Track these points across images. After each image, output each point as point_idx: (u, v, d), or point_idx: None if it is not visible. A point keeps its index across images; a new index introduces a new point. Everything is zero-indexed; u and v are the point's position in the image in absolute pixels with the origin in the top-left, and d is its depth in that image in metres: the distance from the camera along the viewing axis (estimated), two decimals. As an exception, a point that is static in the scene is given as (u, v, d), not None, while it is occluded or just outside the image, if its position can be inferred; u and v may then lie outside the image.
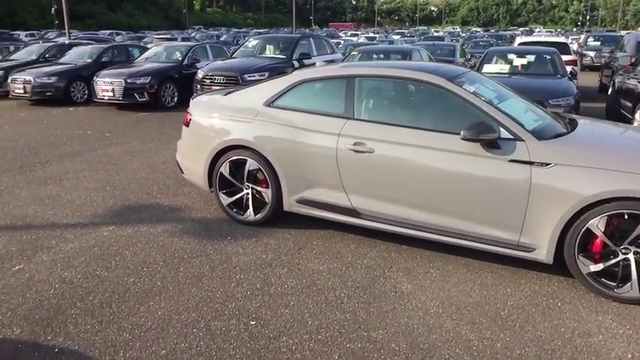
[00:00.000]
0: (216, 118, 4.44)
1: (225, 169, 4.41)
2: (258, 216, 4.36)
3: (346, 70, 4.14)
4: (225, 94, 4.71)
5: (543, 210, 3.27)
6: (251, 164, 4.28)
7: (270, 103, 4.26)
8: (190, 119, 4.63)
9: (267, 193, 4.27)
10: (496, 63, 9.25)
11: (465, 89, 3.70)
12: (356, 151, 3.81)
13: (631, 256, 3.13)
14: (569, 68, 9.64)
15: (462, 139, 3.44)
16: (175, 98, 11.24)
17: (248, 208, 4.40)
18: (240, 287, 3.39)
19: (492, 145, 3.41)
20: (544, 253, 3.33)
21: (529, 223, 3.33)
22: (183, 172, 4.84)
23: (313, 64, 10.98)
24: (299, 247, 4.01)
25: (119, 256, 3.82)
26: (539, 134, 3.44)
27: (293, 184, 4.13)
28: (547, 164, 3.26)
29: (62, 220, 4.55)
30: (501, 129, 3.42)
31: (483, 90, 3.95)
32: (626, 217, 3.09)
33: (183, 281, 3.46)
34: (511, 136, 3.40)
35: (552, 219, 3.24)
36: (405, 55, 10.08)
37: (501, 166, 3.37)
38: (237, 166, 4.39)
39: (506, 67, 8.92)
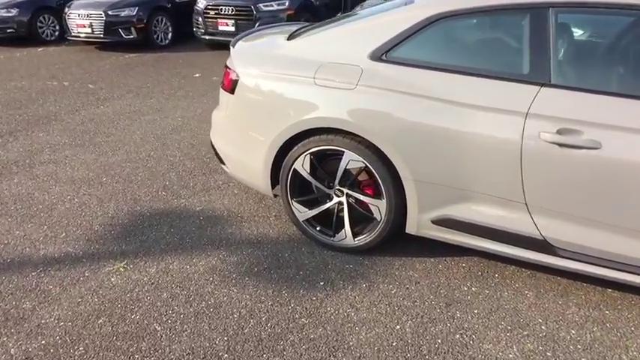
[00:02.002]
0: (285, 82, 2.64)
1: (302, 164, 2.69)
2: (361, 240, 2.71)
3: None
4: (290, 37, 2.89)
5: None
6: (350, 160, 2.56)
7: (382, 56, 2.46)
8: (236, 81, 2.82)
9: (379, 207, 2.59)
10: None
11: None
12: (561, 145, 2.11)
13: None
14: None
15: None
16: (170, 34, 9.11)
17: (343, 226, 2.74)
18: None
19: None
20: None
21: None
22: (224, 164, 3.10)
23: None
24: (447, 301, 2.40)
25: (140, 355, 2.18)
26: None
27: (429, 194, 2.44)
28: None
29: (39, 251, 2.84)
30: None
31: None
32: None
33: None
34: None
35: None
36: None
37: None
38: (323, 160, 2.69)
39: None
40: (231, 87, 2.84)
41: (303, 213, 2.81)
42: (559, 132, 2.11)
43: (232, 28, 7.83)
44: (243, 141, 2.86)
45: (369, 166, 2.51)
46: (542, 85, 2.17)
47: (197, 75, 7.02)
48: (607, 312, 2.33)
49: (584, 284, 2.51)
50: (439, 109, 2.30)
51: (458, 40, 2.43)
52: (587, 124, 2.07)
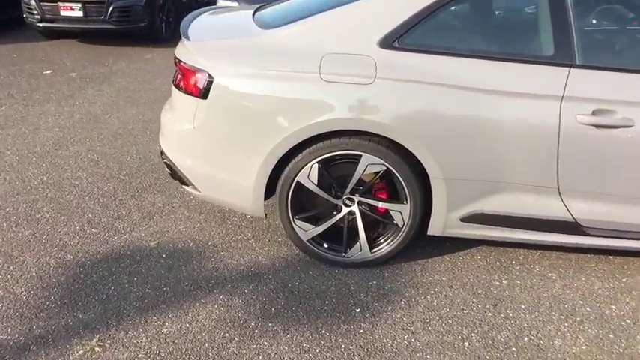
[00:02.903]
0: (283, 80, 2.15)
1: (308, 175, 2.28)
2: (380, 251, 2.42)
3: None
4: (263, 24, 2.39)
5: None
6: (368, 164, 2.23)
7: (394, 43, 2.15)
8: (209, 82, 2.24)
9: (402, 212, 2.32)
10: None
11: None
12: (598, 126, 2.09)
13: None
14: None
15: None
16: (-14, 22, 7.33)
17: (356, 239, 2.40)
18: None
19: None
20: None
21: None
22: (189, 185, 2.49)
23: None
24: (491, 301, 2.25)
25: None
26: None
27: (459, 191, 2.25)
28: None
29: (-49, 347, 1.96)
30: None
31: None
32: None
33: None
34: None
35: None
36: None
37: None
38: (330, 167, 2.31)
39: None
40: (202, 90, 2.25)
41: (308, 231, 2.40)
42: (594, 113, 2.08)
43: (80, 13, 6.57)
44: (223, 156, 2.31)
45: (391, 168, 2.22)
46: (570, 66, 2.11)
47: (48, 71, 5.75)
48: (624, 279, 2.44)
49: (589, 255, 2.60)
50: (470, 98, 2.10)
51: (478, 22, 2.24)
52: (619, 102, 2.07)
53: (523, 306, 2.25)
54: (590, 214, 2.26)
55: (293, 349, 1.98)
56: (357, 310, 2.20)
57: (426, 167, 2.20)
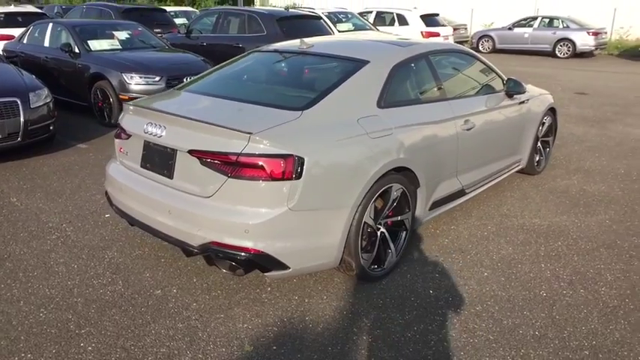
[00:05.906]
0: (349, 144, 2.69)
1: (370, 214, 2.86)
2: (400, 253, 3.23)
3: (420, 48, 3.58)
4: (299, 112, 2.71)
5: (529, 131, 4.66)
6: (395, 190, 3.03)
7: (381, 103, 3.04)
8: (300, 165, 2.45)
9: (408, 218, 3.22)
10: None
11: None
12: (467, 129, 3.65)
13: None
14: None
15: (508, 94, 4.18)
16: None
17: (387, 252, 3.11)
18: None
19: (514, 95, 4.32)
20: (525, 161, 4.76)
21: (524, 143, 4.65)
22: (277, 269, 2.50)
23: None
24: (497, 226, 3.48)
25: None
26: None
27: (430, 190, 3.37)
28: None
29: None
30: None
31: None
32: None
33: None
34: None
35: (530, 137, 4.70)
36: None
37: (520, 108, 4.41)
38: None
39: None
40: (295, 172, 2.46)
41: (367, 260, 2.95)
42: (465, 122, 3.63)
43: None
44: (317, 223, 2.61)
45: (405, 189, 3.11)
46: (448, 99, 3.59)
47: None
48: (488, 203, 4.16)
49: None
50: (434, 127, 3.33)
51: (408, 81, 3.38)
52: (469, 115, 3.71)
53: (503, 240, 3.61)
54: (467, 180, 3.83)
55: (468, 333, 2.66)
56: (431, 292, 3.00)
57: (419, 179, 3.20)
